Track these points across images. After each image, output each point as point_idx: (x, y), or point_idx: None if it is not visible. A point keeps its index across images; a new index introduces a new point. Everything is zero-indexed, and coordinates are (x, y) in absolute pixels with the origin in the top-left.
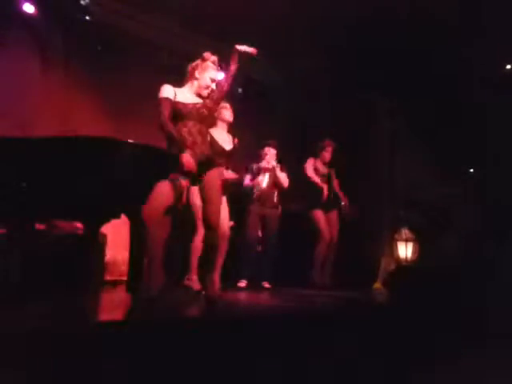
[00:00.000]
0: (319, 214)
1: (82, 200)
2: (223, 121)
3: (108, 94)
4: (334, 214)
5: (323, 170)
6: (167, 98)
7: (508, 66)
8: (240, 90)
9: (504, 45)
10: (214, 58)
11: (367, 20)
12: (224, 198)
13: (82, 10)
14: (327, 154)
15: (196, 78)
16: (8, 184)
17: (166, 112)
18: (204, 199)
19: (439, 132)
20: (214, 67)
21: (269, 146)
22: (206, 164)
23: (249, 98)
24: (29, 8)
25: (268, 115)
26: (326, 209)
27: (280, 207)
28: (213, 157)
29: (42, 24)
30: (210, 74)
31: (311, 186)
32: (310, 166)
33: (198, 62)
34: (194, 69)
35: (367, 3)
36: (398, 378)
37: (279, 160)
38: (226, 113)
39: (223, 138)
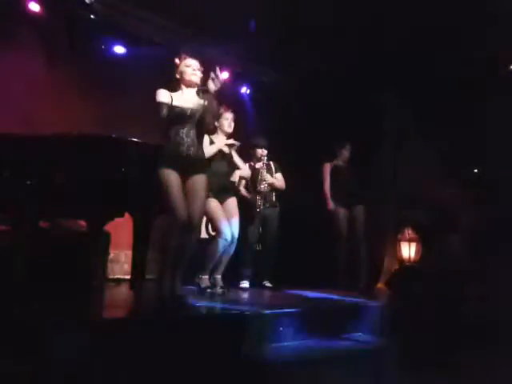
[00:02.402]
0: (338, 211)
1: (86, 198)
2: (222, 131)
3: (110, 93)
4: (355, 211)
5: (342, 168)
6: (163, 102)
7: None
8: (246, 91)
9: (508, 45)
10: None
11: (371, 20)
12: (234, 202)
13: (86, 9)
14: (346, 152)
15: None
16: (11, 182)
17: (163, 114)
18: (188, 198)
19: (443, 132)
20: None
21: (263, 147)
22: (195, 165)
23: (254, 98)
24: (34, 7)
25: (270, 115)
26: (345, 206)
27: (278, 206)
28: (203, 162)
29: (47, 22)
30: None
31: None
32: (326, 172)
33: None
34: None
35: (370, 4)
36: (397, 379)
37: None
38: (225, 123)
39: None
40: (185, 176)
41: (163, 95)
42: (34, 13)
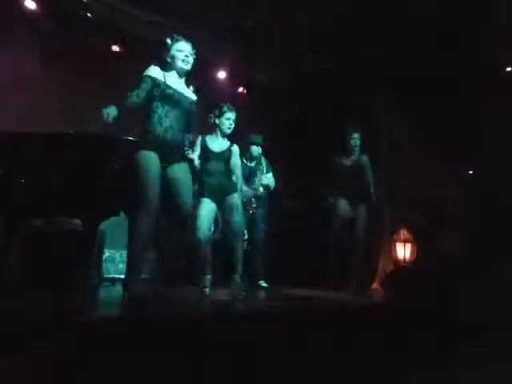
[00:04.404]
0: (338, 212)
1: (80, 196)
2: (221, 131)
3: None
4: (357, 210)
5: (347, 161)
6: (149, 76)
7: (508, 68)
8: (242, 91)
9: (505, 45)
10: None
11: (367, 19)
12: (234, 198)
13: (83, 7)
14: (352, 142)
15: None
16: (6, 180)
17: (137, 89)
18: (175, 190)
19: (439, 132)
20: (183, 50)
21: (258, 144)
22: (175, 151)
23: (251, 98)
24: (30, 4)
25: (268, 114)
26: (349, 203)
27: (266, 207)
28: (183, 147)
29: (43, 20)
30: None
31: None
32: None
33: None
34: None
35: (368, 3)
36: (396, 379)
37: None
38: (226, 122)
39: (217, 143)
40: (164, 161)
41: (153, 71)
42: (31, 10)
